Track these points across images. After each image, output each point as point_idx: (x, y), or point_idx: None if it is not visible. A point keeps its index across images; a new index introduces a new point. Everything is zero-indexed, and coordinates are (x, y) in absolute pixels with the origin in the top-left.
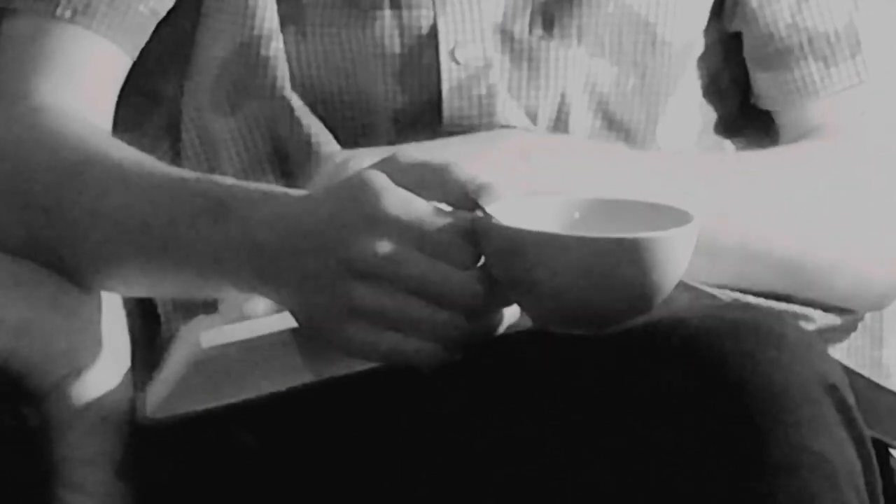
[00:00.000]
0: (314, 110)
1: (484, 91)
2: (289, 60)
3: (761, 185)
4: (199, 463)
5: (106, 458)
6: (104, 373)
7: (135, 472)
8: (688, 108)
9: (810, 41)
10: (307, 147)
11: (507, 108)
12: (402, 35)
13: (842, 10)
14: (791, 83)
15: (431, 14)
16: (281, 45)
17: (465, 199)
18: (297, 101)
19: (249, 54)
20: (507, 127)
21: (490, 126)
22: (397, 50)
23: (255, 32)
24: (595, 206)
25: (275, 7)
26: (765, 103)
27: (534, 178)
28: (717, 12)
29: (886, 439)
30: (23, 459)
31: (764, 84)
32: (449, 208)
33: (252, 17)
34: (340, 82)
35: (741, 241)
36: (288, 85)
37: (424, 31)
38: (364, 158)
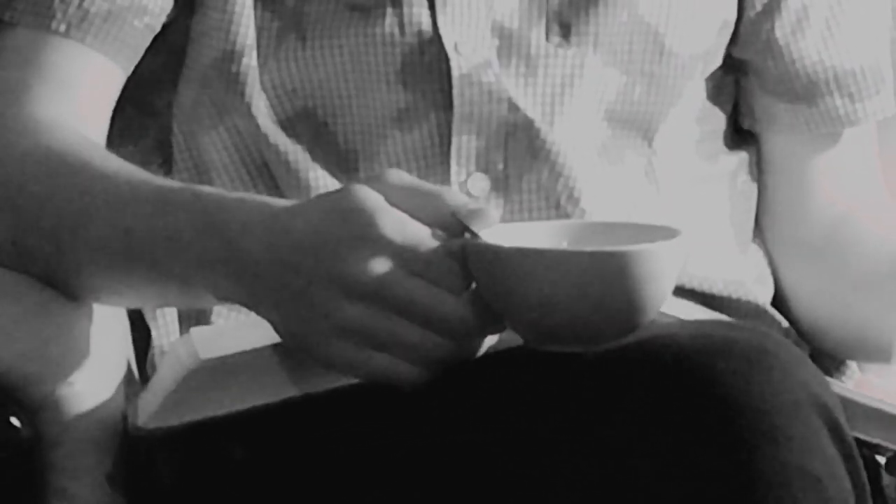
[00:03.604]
0: (314, 116)
1: (493, 78)
2: (288, 68)
3: None
4: (191, 473)
5: (98, 468)
6: (96, 384)
7: (126, 483)
8: (687, 118)
9: (836, 78)
10: (286, 165)
11: (516, 91)
12: (402, 33)
13: (867, 47)
14: (817, 116)
15: (429, 12)
16: (253, 62)
17: (455, 223)
18: (263, 119)
19: (223, 69)
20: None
21: (500, 111)
22: (398, 48)
23: (229, 48)
24: (583, 230)
25: (251, 23)
26: (770, 128)
27: None
28: (731, 38)
29: (873, 440)
30: (15, 470)
31: (785, 114)
32: (439, 232)
33: (227, 32)
34: (341, 85)
35: None
36: (256, 101)
37: (424, 27)
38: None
